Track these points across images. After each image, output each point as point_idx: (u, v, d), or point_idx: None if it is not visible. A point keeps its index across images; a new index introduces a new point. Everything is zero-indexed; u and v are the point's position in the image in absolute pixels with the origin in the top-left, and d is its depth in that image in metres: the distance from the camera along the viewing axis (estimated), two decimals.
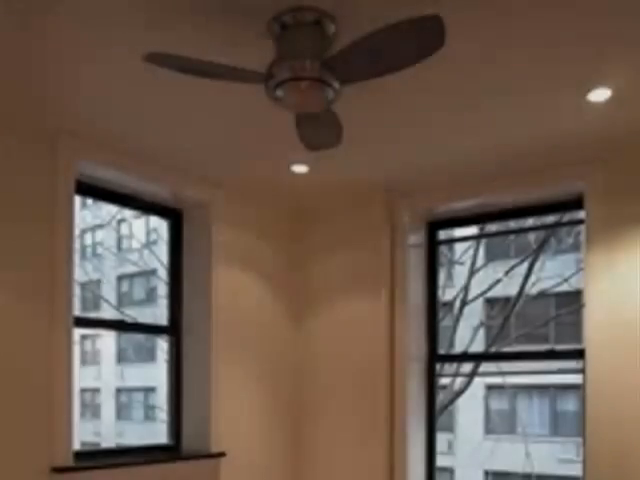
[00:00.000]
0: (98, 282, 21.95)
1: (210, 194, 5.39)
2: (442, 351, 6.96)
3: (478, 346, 11.71)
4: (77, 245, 5.22)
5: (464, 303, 10.97)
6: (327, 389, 5.95)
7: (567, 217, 5.98)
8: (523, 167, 5.04)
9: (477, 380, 12.78)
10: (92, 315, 15.20)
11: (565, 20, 3.20)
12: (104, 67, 3.66)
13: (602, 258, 4.79)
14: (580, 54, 3.52)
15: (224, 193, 5.47)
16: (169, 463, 5.20)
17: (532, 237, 10.73)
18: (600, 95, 3.97)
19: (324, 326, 5.99)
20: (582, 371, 4.96)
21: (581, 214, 5.09)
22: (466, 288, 11.02)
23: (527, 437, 15.60)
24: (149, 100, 4.07)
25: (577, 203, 5.04)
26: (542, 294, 11.29)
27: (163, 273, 7.20)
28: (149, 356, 21.31)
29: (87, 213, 19.38)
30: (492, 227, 7.39)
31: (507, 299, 11.26)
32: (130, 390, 22.99)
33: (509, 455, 14.43)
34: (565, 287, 11.24)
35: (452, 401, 11.91)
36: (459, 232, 6.88)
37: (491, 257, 12.84)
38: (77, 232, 4.88)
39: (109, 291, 21.76)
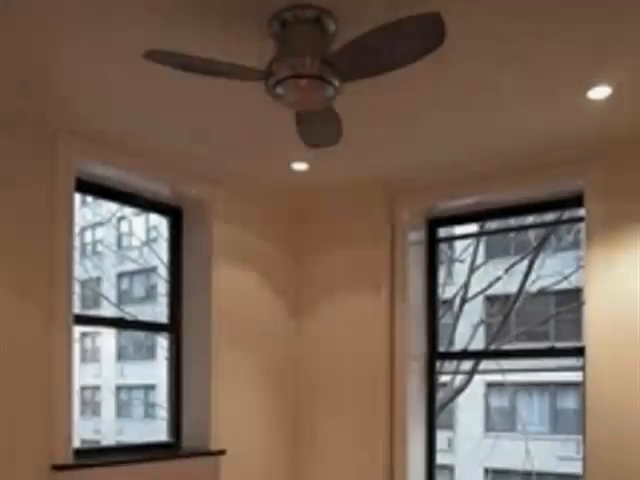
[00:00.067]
0: (98, 280, 21.97)
1: (210, 192, 5.39)
2: (442, 349, 6.95)
3: (478, 344, 11.71)
4: (77, 243, 5.22)
5: (464, 301, 10.97)
6: (327, 387, 5.95)
7: (567, 215, 5.98)
8: (523, 165, 5.03)
9: (477, 378, 12.79)
10: (92, 313, 15.25)
11: (565, 18, 3.20)
12: (104, 65, 3.66)
13: (602, 256, 4.79)
14: (580, 52, 3.52)
15: (224, 191, 5.47)
16: (169, 461, 5.21)
17: (532, 235, 10.73)
18: (600, 93, 3.97)
19: (324, 323, 5.99)
20: (582, 369, 4.96)
21: (581, 212, 5.09)
22: (466, 286, 11.01)
23: (527, 435, 15.61)
24: (149, 98, 4.07)
25: (577, 201, 5.04)
26: (542, 292, 11.28)
27: (163, 271, 7.20)
28: (149, 354, 21.33)
29: (87, 211, 19.39)
30: (492, 225, 7.37)
31: (507, 297, 11.25)
32: (130, 388, 23.01)
33: (509, 453, 14.43)
34: (565, 285, 11.25)
35: (452, 399, 11.92)
36: (459, 230, 6.87)
37: (491, 255, 12.85)
38: (77, 230, 4.89)
39: (109, 289, 21.77)
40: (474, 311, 12.54)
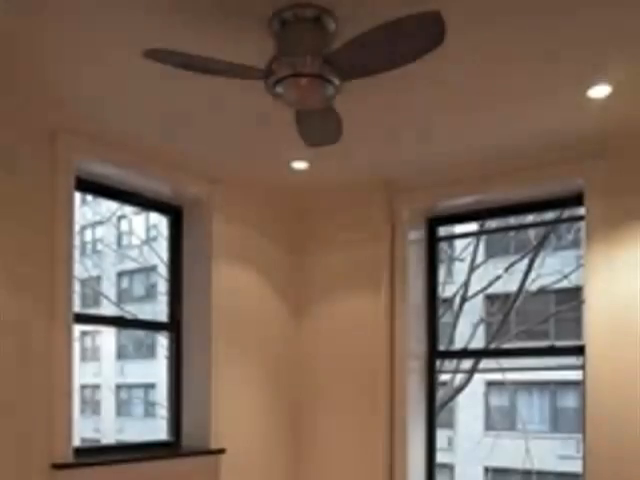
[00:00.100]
0: (98, 278, 22.00)
1: (210, 191, 5.39)
2: (442, 347, 6.93)
3: (478, 342, 11.71)
4: (77, 242, 5.22)
5: (464, 299, 10.97)
6: (327, 385, 5.95)
7: (567, 214, 5.98)
8: (523, 163, 5.03)
9: (477, 376, 12.79)
10: (92, 311, 15.26)
11: (565, 17, 3.20)
12: (104, 64, 3.66)
13: (602, 254, 4.79)
14: (580, 51, 3.52)
15: (224, 190, 5.47)
16: (169, 459, 5.21)
17: (532, 233, 10.73)
18: (600, 92, 3.97)
19: (324, 322, 5.99)
20: (582, 367, 4.96)
21: (581, 210, 5.08)
22: (466, 284, 11.01)
23: (527, 433, 15.61)
24: (149, 97, 4.07)
25: (577, 199, 5.03)
26: (542, 290, 11.27)
27: (163, 269, 7.22)
28: (149, 352, 21.35)
29: (87, 210, 19.39)
30: (492, 223, 7.38)
31: (507, 295, 11.26)
32: (130, 386, 23.03)
33: (509, 451, 14.43)
34: (565, 283, 11.24)
35: (452, 397, 11.92)
36: (459, 228, 6.87)
37: (491, 253, 12.83)
38: (77, 229, 4.89)
39: (109, 287, 21.79)
40: (474, 310, 12.54)
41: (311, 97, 3.24)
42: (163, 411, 6.51)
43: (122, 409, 23.18)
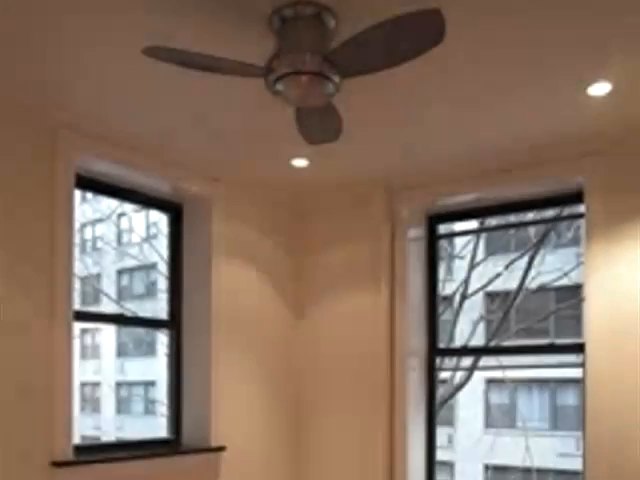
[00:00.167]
0: (98, 276, 21.99)
1: (210, 188, 5.39)
2: (442, 345, 6.96)
3: (478, 340, 11.73)
4: (77, 239, 5.22)
5: (464, 297, 10.98)
6: (327, 383, 5.96)
7: (567, 211, 5.98)
8: (523, 161, 5.03)
9: (477, 374, 12.81)
10: (92, 309, 15.26)
11: (565, 14, 3.20)
12: (104, 61, 3.66)
13: (602, 252, 4.79)
14: (580, 48, 3.52)
15: (224, 187, 5.47)
16: (169, 457, 5.21)
17: (532, 231, 10.73)
18: (600, 89, 3.97)
19: (324, 320, 6.00)
20: (582, 365, 4.96)
21: (581, 208, 5.08)
22: (466, 282, 11.02)
23: (527, 431, 15.61)
24: (149, 94, 4.07)
25: (577, 197, 5.03)
26: (542, 288, 11.28)
27: (163, 267, 7.21)
28: (149, 350, 21.34)
29: (87, 207, 19.37)
30: (492, 221, 7.39)
31: (507, 293, 11.27)
32: (130, 384, 23.02)
33: (509, 449, 14.44)
34: (565, 281, 11.23)
35: (452, 395, 11.92)
36: (459, 226, 6.88)
37: (491, 251, 12.85)
38: (77, 226, 4.88)
39: (109, 285, 21.79)
40: (474, 307, 12.55)
41: (311, 95, 3.24)
42: (163, 409, 6.53)
43: (122, 407, 23.17)
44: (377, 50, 3.01)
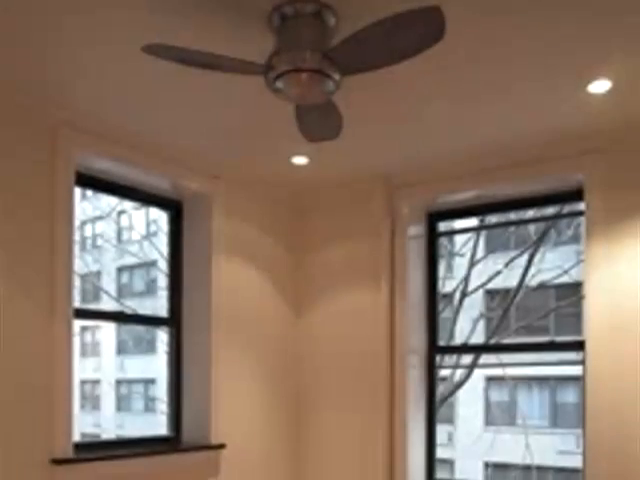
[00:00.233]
0: (98, 274, 21.98)
1: (210, 186, 5.39)
2: (442, 343, 6.96)
3: (478, 338, 11.72)
4: (77, 237, 5.21)
5: (464, 295, 10.96)
6: (327, 380, 5.96)
7: (567, 209, 5.97)
8: (523, 158, 5.03)
9: (477, 372, 12.81)
10: (92, 307, 15.22)
11: (565, 12, 3.20)
12: (104, 59, 3.66)
13: (602, 250, 4.79)
14: (580, 46, 3.53)
15: (224, 185, 5.47)
16: (169, 454, 5.21)
17: (532, 229, 10.73)
18: (600, 87, 3.98)
19: (324, 318, 6.00)
20: (582, 363, 4.96)
21: (581, 206, 5.08)
22: (466, 280, 11.01)
23: (527, 429, 15.62)
24: (149, 92, 4.07)
25: (577, 194, 5.03)
26: (542, 286, 11.28)
27: (163, 265, 7.21)
28: (149, 348, 21.33)
29: (87, 205, 19.36)
30: (492, 219, 7.39)
31: (507, 291, 11.26)
32: (130, 382, 23.01)
33: (509, 447, 14.43)
34: (565, 279, 11.23)
35: (452, 393, 11.91)
36: (459, 224, 6.87)
37: (491, 249, 12.83)
38: (77, 224, 4.88)
39: (109, 283, 21.77)
40: (474, 305, 12.55)
41: (311, 92, 3.24)
42: (163, 406, 6.52)
43: (122, 404, 23.16)
44: (377, 48, 3.01)
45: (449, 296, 11.07)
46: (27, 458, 4.21)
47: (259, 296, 5.84)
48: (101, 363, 23.16)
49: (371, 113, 4.37)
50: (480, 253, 11.48)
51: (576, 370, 6.01)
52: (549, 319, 14.49)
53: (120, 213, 19.65)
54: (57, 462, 4.32)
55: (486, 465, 16.18)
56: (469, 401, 17.31)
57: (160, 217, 13.27)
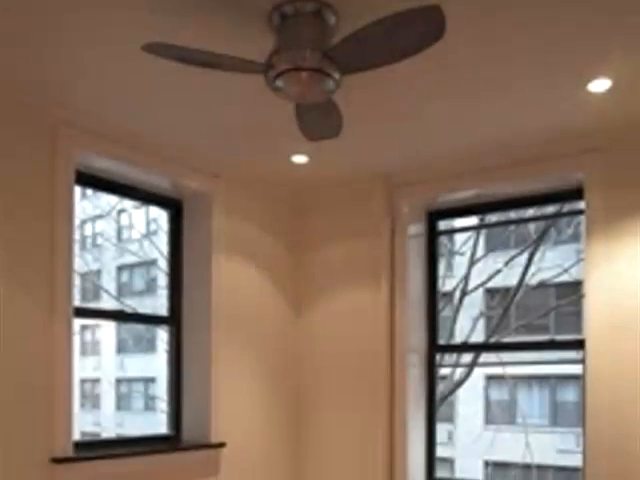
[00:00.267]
0: (98, 272, 21.97)
1: (210, 184, 5.39)
2: (442, 341, 6.95)
3: (478, 336, 11.72)
4: (77, 236, 5.21)
5: (464, 293, 10.97)
6: (327, 379, 5.96)
7: (567, 207, 5.97)
8: (523, 157, 5.03)
9: (477, 370, 12.80)
10: (92, 305, 15.23)
11: (565, 10, 3.20)
12: (104, 58, 3.66)
13: (602, 248, 4.79)
14: (580, 45, 3.53)
15: (224, 184, 5.47)
16: (169, 453, 5.21)
17: (532, 227, 10.73)
18: (600, 85, 3.98)
19: (324, 316, 6.00)
20: (582, 361, 4.96)
21: (581, 204, 5.08)
22: (466, 278, 11.01)
23: (527, 427, 15.61)
24: (149, 91, 4.07)
25: (577, 193, 5.03)
26: (542, 284, 11.28)
27: (163, 263, 7.21)
28: (149, 346, 21.33)
29: (87, 203, 19.36)
30: (492, 217, 7.38)
31: (507, 289, 11.25)
32: (130, 380, 23.00)
33: (509, 445, 14.44)
34: (565, 277, 11.23)
35: (452, 391, 11.92)
36: (459, 222, 6.87)
37: (491, 247, 12.83)
38: (77, 223, 4.88)
39: (109, 281, 21.76)
40: (474, 304, 12.55)
41: (311, 91, 3.24)
42: (163, 405, 6.53)
43: (122, 403, 23.16)
44: (377, 46, 3.01)
45: (449, 295, 11.07)
46: (27, 457, 4.21)
47: (259, 295, 5.84)
48: (101, 362, 23.15)
49: (371, 112, 4.37)
50: (480, 252, 11.49)
51: (576, 369, 6.02)
52: (549, 318, 14.49)
53: (120, 212, 19.65)
54: (57, 461, 4.32)
55: (486, 464, 16.18)
56: (469, 400, 17.32)
57: (160, 216, 13.28)
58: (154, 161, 5.00)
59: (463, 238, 11.38)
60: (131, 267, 22.23)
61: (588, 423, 4.83)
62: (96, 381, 23.27)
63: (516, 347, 8.40)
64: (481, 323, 12.44)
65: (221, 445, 5.39)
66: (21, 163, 4.23)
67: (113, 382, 23.10)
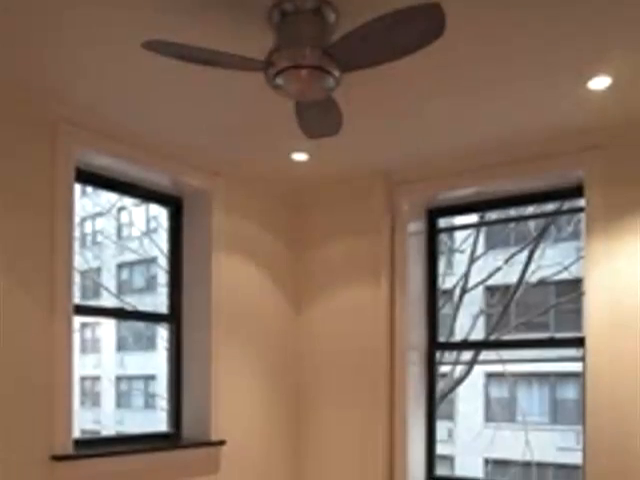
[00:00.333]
0: (98, 270, 21.99)
1: (210, 182, 5.39)
2: (442, 339, 6.94)
3: (478, 334, 11.72)
4: (77, 233, 5.21)
5: (464, 291, 10.97)
6: (327, 377, 5.96)
7: (567, 205, 5.97)
8: (523, 155, 5.03)
9: (477, 368, 12.80)
10: (92, 303, 15.26)
11: (565, 9, 3.20)
12: (104, 55, 3.66)
13: (602, 246, 4.79)
14: (580, 42, 3.52)
15: (224, 181, 5.47)
16: (169, 451, 5.21)
17: (532, 225, 10.73)
18: (600, 83, 3.97)
19: (324, 314, 6.00)
20: (582, 359, 4.96)
21: (581, 202, 5.08)
22: (466, 276, 11.01)
23: (527, 425, 15.62)
24: (149, 88, 4.07)
25: (577, 191, 5.03)
26: (542, 282, 11.28)
27: (163, 261, 7.21)
28: (149, 344, 21.36)
29: (87, 201, 19.36)
30: (492, 215, 7.38)
31: (507, 287, 11.26)
32: (130, 378, 23.03)
33: (509, 443, 14.44)
34: (565, 275, 11.24)
35: (452, 389, 11.94)
36: (459, 220, 6.88)
37: (491, 245, 12.83)
38: (77, 220, 4.88)
39: (109, 279, 21.79)
40: (474, 301, 12.55)
41: (311, 89, 3.23)
42: (163, 403, 6.52)
43: (122, 401, 23.19)
44: (377, 44, 3.01)
45: (449, 292, 11.07)
46: (27, 454, 4.21)
47: (259, 292, 5.84)
48: (101, 359, 23.18)
49: (371, 109, 4.37)
50: (480, 249, 11.48)
51: (576, 366, 6.01)
52: (549, 315, 14.49)
53: (120, 209, 19.68)
54: (57, 458, 4.32)
55: (486, 461, 16.19)
56: (469, 397, 17.33)
57: (160, 213, 13.30)
58: (154, 159, 5.00)
59: (463, 236, 11.38)
60: (131, 265, 22.25)
61: (588, 421, 4.83)
62: (96, 379, 23.31)
63: (516, 345, 8.38)
64: (481, 321, 12.44)
65: (221, 443, 5.39)
66: (21, 160, 4.23)
67: (113, 380, 23.13)
